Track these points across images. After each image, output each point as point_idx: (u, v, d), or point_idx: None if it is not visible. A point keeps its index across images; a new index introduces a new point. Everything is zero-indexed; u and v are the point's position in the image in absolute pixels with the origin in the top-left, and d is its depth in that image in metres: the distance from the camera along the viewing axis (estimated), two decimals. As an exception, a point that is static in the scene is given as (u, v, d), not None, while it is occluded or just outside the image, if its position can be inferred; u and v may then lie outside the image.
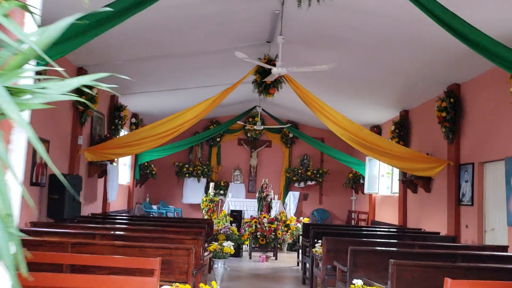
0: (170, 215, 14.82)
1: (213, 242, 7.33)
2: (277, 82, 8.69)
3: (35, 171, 7.53)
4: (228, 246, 7.10)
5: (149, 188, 15.87)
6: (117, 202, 12.53)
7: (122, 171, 13.24)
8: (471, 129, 8.35)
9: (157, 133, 9.12)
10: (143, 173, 14.33)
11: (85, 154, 9.21)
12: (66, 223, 7.81)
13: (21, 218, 7.20)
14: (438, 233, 8.76)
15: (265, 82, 8.60)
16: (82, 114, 9.20)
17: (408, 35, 7.33)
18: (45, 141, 7.84)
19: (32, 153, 7.44)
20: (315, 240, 7.46)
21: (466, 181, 8.31)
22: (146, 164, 14.31)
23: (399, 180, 11.16)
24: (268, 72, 7.89)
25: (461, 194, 8.50)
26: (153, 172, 14.71)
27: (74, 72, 9.10)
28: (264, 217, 11.20)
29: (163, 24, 7.67)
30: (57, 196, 7.72)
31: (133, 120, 13.61)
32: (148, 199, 15.46)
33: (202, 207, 13.57)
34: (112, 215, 10.32)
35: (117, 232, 6.11)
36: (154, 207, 14.92)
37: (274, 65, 7.28)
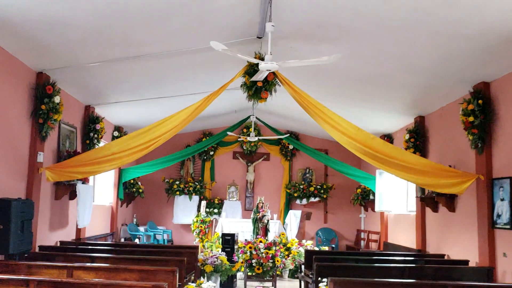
0: (159, 237, 13.37)
1: (190, 283, 5.85)
2: (269, 84, 7.29)
3: (-27, 195, 6.13)
4: (209, 287, 5.63)
5: (137, 208, 14.44)
6: (97, 225, 11.12)
7: (103, 190, 11.86)
8: (507, 136, 6.89)
9: (132, 146, 7.70)
10: (128, 191, 12.94)
11: (46, 173, 7.79)
12: (15, 259, 6.40)
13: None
14: (467, 261, 7.29)
15: (255, 84, 7.21)
16: (43, 126, 7.81)
17: (428, 21, 5.92)
18: (-12, 159, 6.45)
19: (-31, 174, 6.04)
20: (319, 278, 6.00)
21: (502, 199, 6.82)
22: (132, 181, 12.93)
23: (416, 197, 9.67)
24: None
25: (495, 215, 7.00)
26: (140, 191, 13.30)
27: (33, 77, 7.74)
28: (260, 241, 9.71)
29: (128, 15, 6.28)
30: (1, 225, 6.28)
31: (116, 133, 12.26)
32: (135, 220, 14.01)
33: (192, 229, 12.12)
34: (83, 243, 8.89)
35: (54, 279, 4.67)
36: (141, 228, 13.46)
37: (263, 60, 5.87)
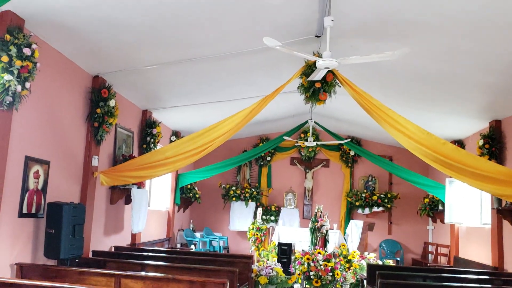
0: (214, 244, 13.15)
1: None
2: (328, 85, 6.81)
3: (27, 199, 6.08)
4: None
5: (194, 213, 14.33)
6: (153, 230, 11.07)
7: (160, 195, 11.81)
8: None
9: (185, 150, 7.46)
10: (185, 196, 12.84)
11: (101, 177, 7.72)
12: (66, 264, 6.31)
13: (5, 259, 5.74)
14: (555, 284, 6.40)
15: (313, 86, 6.76)
16: (98, 130, 7.77)
17: (509, 13, 5.22)
18: (43, 163, 6.42)
19: (23, 176, 6.01)
20: (382, 297, 5.44)
21: None
22: (188, 186, 12.82)
23: (492, 209, 8.78)
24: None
25: None
26: (197, 196, 13.16)
27: (89, 81, 7.73)
28: (319, 253, 9.19)
29: (179, 14, 6.04)
30: (53, 230, 6.22)
31: (173, 138, 12.23)
32: (192, 225, 13.89)
33: (248, 237, 11.79)
34: (137, 249, 8.79)
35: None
36: (197, 234, 13.31)
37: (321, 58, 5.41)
